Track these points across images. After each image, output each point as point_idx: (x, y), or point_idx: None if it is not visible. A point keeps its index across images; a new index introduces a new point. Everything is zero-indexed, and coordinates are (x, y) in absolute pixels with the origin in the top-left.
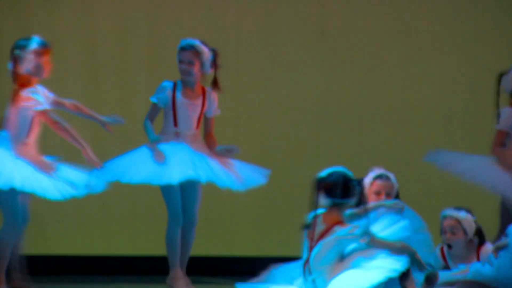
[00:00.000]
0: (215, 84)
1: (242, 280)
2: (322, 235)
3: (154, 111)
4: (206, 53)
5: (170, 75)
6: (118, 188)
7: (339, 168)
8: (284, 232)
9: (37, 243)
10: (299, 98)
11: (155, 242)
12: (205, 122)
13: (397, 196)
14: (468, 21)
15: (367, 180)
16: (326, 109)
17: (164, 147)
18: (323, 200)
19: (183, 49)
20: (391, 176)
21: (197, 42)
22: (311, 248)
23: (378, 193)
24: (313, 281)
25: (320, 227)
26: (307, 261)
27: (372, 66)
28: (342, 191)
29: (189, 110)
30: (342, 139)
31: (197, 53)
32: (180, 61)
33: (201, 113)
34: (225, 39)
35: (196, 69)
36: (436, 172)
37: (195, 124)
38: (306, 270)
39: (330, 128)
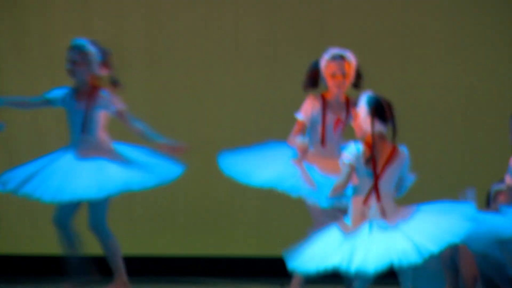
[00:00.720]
0: (112, 84)
1: (242, 280)
2: (388, 161)
3: (39, 97)
4: (92, 53)
5: (167, 73)
6: None
7: (371, 94)
8: (284, 232)
9: (34, 243)
10: (299, 97)
11: (152, 242)
12: (121, 121)
13: (358, 74)
14: (468, 21)
15: (322, 63)
16: None
17: (51, 159)
18: (379, 127)
19: (70, 48)
20: (347, 55)
21: (84, 42)
22: (377, 176)
23: (333, 75)
24: (382, 207)
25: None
26: (373, 188)
27: (371, 65)
28: (389, 112)
29: (76, 114)
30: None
31: (82, 53)
32: (67, 61)
33: (86, 116)
34: (224, 38)
35: (81, 69)
36: (435, 171)
37: (82, 128)
38: (373, 197)
39: None
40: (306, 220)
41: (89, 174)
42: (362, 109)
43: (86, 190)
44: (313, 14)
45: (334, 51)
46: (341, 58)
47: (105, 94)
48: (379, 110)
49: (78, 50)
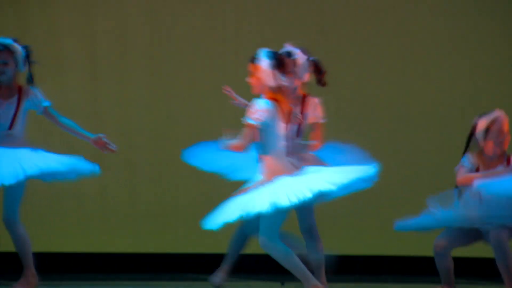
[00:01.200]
0: (30, 80)
1: (244, 277)
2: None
3: None
4: (20, 51)
5: (169, 75)
6: (118, 186)
7: (268, 49)
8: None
9: (37, 240)
10: None
11: (155, 239)
12: (48, 119)
13: (319, 71)
14: (467, 21)
15: None
16: (325, 108)
17: None
18: (283, 79)
19: None
20: (295, 53)
21: (10, 41)
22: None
23: None
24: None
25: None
26: (298, 132)
27: (371, 65)
28: (288, 65)
29: (2, 109)
30: (340, 138)
31: (11, 52)
32: None
33: (16, 112)
34: (224, 38)
35: (11, 68)
36: (435, 170)
37: (8, 123)
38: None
39: (328, 126)
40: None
41: (13, 159)
42: (264, 63)
43: (11, 175)
44: (313, 16)
45: (286, 48)
46: (289, 55)
47: (35, 91)
48: (282, 63)
49: (7, 50)
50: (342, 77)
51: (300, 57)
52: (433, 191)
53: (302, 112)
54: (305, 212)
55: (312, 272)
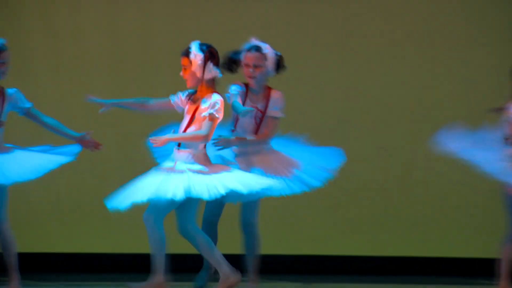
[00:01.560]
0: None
1: (264, 278)
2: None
3: None
4: (8, 52)
5: None
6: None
7: (199, 42)
8: (291, 230)
9: (40, 241)
10: (324, 99)
11: None
12: (31, 120)
13: (278, 65)
14: (483, 26)
15: (242, 53)
16: (350, 109)
17: None
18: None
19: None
20: (264, 47)
21: (3, 41)
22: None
23: (247, 65)
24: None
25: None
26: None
27: (396, 67)
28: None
29: None
30: (365, 139)
31: (5, 52)
32: None
33: (0, 115)
34: (248, 40)
35: (5, 69)
36: (447, 171)
37: None
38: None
39: (354, 128)
40: (317, 219)
41: (14, 161)
42: (198, 57)
43: (22, 174)
44: (340, 16)
45: (253, 43)
46: (257, 50)
47: (15, 92)
48: (214, 55)
49: (4, 49)
50: (367, 78)
51: (269, 51)
52: (443, 191)
53: (266, 105)
54: (248, 208)
55: (245, 269)
